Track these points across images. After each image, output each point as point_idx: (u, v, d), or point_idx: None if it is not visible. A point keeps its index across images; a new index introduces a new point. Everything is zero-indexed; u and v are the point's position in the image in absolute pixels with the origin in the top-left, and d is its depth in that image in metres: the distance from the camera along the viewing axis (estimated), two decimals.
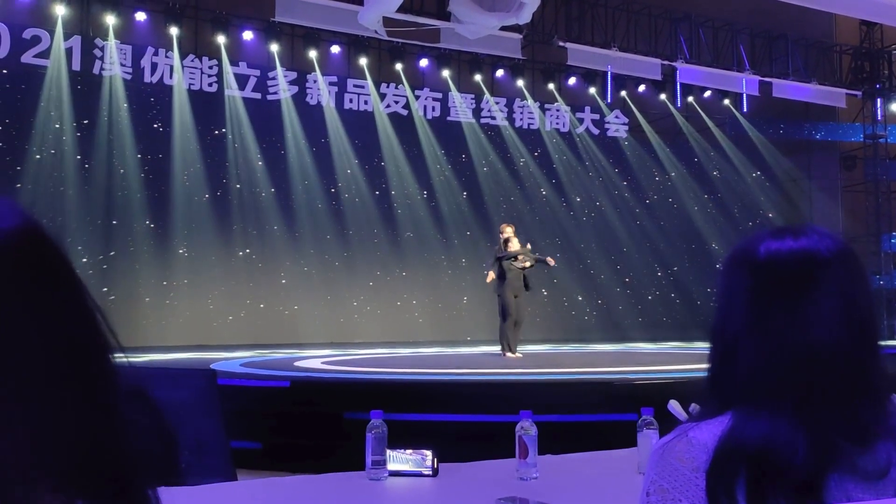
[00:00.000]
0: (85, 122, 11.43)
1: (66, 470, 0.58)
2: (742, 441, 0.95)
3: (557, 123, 15.06)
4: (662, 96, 15.15)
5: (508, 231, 8.97)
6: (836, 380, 0.97)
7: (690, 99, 15.39)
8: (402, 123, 13.79)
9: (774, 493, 0.92)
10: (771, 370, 0.99)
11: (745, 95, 15.26)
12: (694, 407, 2.45)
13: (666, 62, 13.94)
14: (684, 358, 8.77)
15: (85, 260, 10.98)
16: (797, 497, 0.92)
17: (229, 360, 8.70)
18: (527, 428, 2.24)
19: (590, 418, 5.33)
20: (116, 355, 0.65)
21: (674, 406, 2.42)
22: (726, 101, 15.55)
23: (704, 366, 1.09)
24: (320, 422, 5.74)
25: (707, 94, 15.37)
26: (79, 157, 11.34)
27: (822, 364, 0.97)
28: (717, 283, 1.09)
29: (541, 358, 9.35)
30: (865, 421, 0.96)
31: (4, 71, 10.93)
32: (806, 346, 0.98)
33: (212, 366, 6.84)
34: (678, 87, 14.85)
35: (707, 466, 0.96)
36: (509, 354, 8.70)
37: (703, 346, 1.07)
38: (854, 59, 15.87)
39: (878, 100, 16.16)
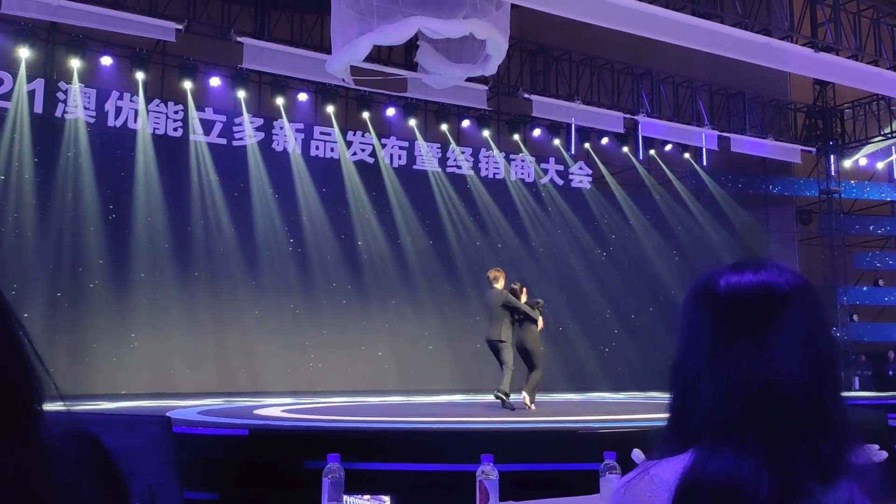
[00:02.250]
0: (46, 164, 11.28)
1: None
2: (704, 477, 0.93)
3: (522, 173, 15.25)
4: (625, 149, 15.45)
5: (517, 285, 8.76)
6: (797, 415, 0.96)
7: (652, 152, 15.71)
8: (369, 171, 13.83)
9: None
10: (732, 405, 0.97)
11: (704, 149, 15.63)
12: (636, 453, 2.43)
13: (628, 115, 14.26)
14: (647, 407, 8.77)
15: (42, 304, 10.71)
16: None
17: (187, 407, 8.48)
18: (488, 472, 2.19)
19: (553, 467, 5.26)
20: (46, 389, 0.62)
21: (637, 455, 2.40)
22: (686, 155, 15.92)
23: (667, 415, 1.07)
24: (279, 471, 5.59)
25: (668, 147, 15.72)
26: (39, 199, 11.15)
27: (783, 399, 0.96)
28: (679, 318, 1.08)
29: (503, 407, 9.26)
30: (827, 457, 0.95)
31: None
32: (767, 380, 0.97)
33: (168, 413, 6.66)
34: (640, 140, 15.17)
35: None
36: (533, 406, 8.25)
37: (665, 396, 1.06)
38: (808, 116, 16.40)
39: (832, 156, 16.67)
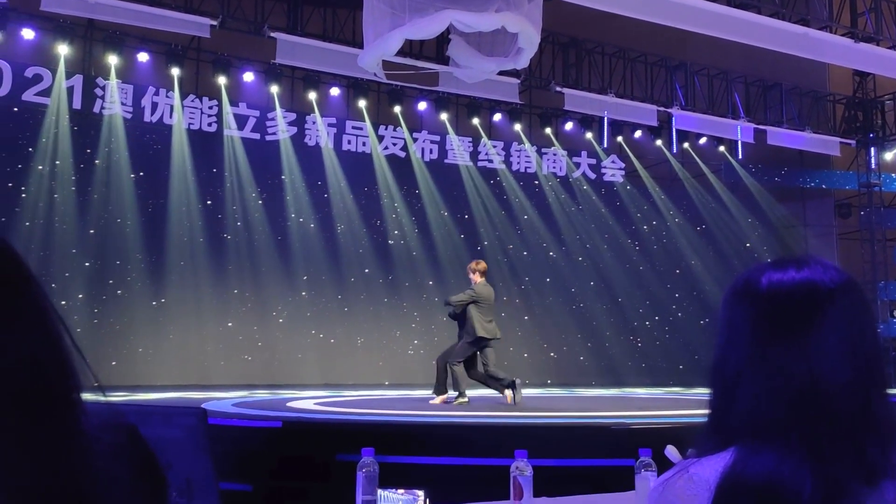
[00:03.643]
0: (84, 159, 11.48)
1: (21, 494, 0.55)
2: (745, 477, 0.92)
3: (554, 167, 15.16)
4: (658, 142, 15.28)
5: None
6: (842, 415, 0.94)
7: (686, 145, 15.52)
8: (400, 166, 13.86)
9: None
10: (774, 405, 0.95)
11: (740, 142, 15.40)
12: (692, 453, 2.40)
13: (662, 108, 14.10)
14: (681, 403, 8.68)
15: (81, 296, 10.93)
16: None
17: (222, 399, 8.59)
18: (522, 468, 2.18)
19: (586, 463, 5.24)
20: (84, 378, 0.62)
21: (671, 451, 2.37)
22: (721, 148, 15.69)
23: (702, 411, 1.05)
24: (312, 463, 5.64)
25: (702, 140, 15.51)
26: (77, 194, 11.36)
27: (827, 398, 0.94)
28: (718, 316, 1.07)
29: (536, 401, 9.25)
30: (873, 459, 0.93)
31: (5, 107, 11.01)
32: (810, 379, 0.95)
33: (203, 405, 6.75)
34: (674, 133, 15.00)
35: None
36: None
37: (698, 392, 1.04)
38: (847, 108, 16.07)
39: (872, 149, 16.32)
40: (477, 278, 8.40)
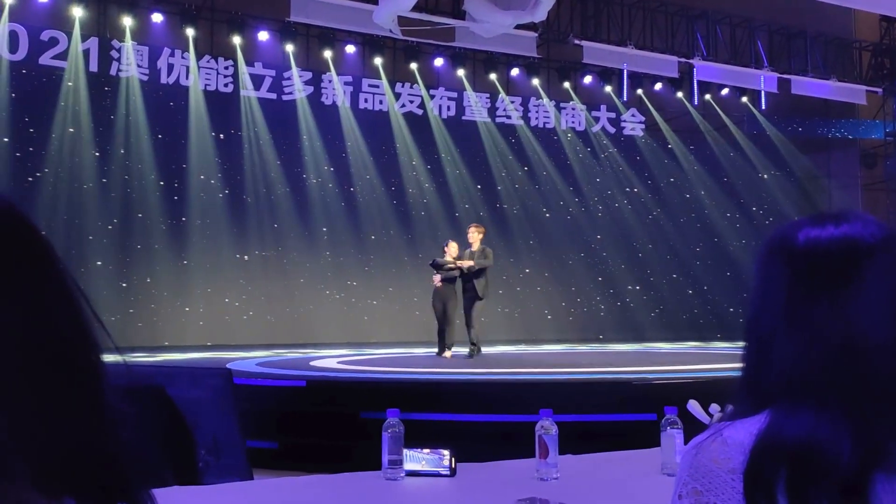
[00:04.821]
0: (102, 122, 11.51)
1: (47, 465, 0.55)
2: (782, 439, 0.90)
3: (573, 122, 14.99)
4: (679, 94, 15.03)
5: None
6: (882, 375, 0.91)
7: (708, 97, 15.25)
8: (418, 123, 13.76)
9: (817, 493, 0.86)
10: (811, 365, 0.93)
11: (763, 93, 15.10)
12: (714, 407, 2.39)
13: (683, 59, 13.83)
14: (702, 358, 8.68)
15: (102, 259, 11.05)
16: (842, 498, 0.87)
17: (246, 359, 8.70)
18: (547, 427, 2.19)
19: (608, 418, 5.27)
20: (104, 344, 0.62)
21: (693, 406, 2.36)
22: (744, 99, 15.41)
23: (723, 365, 1.03)
24: (336, 421, 5.71)
25: (724, 91, 15.24)
26: (97, 157, 11.41)
27: (866, 358, 0.92)
28: (752, 274, 1.04)
29: (558, 357, 9.30)
30: None
31: (23, 72, 11.02)
32: (849, 339, 0.92)
33: (228, 365, 6.84)
34: (695, 84, 14.72)
35: (744, 467, 0.91)
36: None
37: (720, 346, 1.02)
38: (874, 55, 15.68)
39: None
40: (479, 241, 8.67)
